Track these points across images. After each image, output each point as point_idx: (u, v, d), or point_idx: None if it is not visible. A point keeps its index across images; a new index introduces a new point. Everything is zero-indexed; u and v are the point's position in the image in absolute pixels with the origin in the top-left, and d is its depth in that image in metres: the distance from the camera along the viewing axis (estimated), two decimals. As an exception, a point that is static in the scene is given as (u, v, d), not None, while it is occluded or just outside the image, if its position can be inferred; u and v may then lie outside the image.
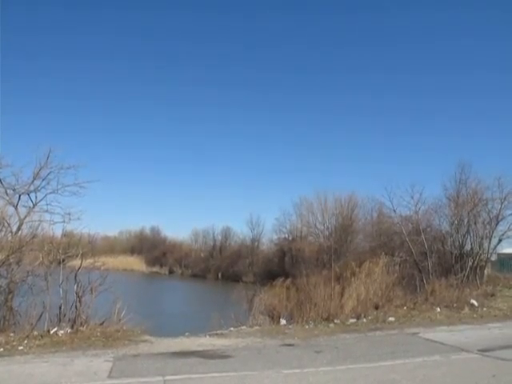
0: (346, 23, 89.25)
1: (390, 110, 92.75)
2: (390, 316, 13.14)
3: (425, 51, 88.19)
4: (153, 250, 75.25)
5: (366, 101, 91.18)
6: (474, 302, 15.18)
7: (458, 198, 23.10)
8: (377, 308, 13.98)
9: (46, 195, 14.12)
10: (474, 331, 11.40)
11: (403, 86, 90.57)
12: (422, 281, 18.39)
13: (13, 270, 11.01)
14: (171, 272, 70.25)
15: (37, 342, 9.52)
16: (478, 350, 8.86)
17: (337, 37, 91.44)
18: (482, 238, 22.16)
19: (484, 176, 23.15)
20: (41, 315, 10.69)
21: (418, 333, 11.03)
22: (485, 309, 14.70)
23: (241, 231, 67.03)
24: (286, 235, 53.56)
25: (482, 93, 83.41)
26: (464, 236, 22.31)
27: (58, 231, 13.38)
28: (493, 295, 17.58)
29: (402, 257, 20.47)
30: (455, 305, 14.69)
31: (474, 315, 13.77)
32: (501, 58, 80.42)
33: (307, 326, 12.20)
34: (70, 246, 12.08)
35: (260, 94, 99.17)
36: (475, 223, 22.37)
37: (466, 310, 14.34)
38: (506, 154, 58.57)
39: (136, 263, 73.10)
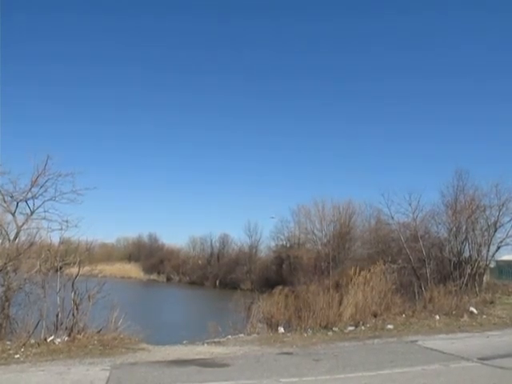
0: (344, 28, 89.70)
1: (388, 116, 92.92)
2: (388, 324, 13.10)
3: (423, 56, 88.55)
4: (150, 257, 74.86)
5: (364, 107, 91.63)
6: (473, 309, 15.16)
7: (455, 204, 23.13)
8: (375, 316, 13.93)
9: (43, 202, 14.02)
10: (473, 339, 11.36)
11: (400, 92, 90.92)
12: (421, 288, 18.29)
13: (10, 277, 10.96)
14: (169, 279, 69.83)
15: (33, 351, 9.44)
16: (478, 359, 8.82)
17: (334, 42, 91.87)
18: (481, 245, 22.16)
19: (482, 183, 23.27)
20: (38, 323, 10.61)
21: (416, 341, 10.98)
22: (484, 316, 14.66)
23: (238, 238, 66.70)
24: (284, 242, 53.38)
25: (480, 99, 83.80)
26: (462, 243, 22.31)
27: (55, 239, 13.30)
28: (492, 303, 17.55)
29: (400, 264, 20.47)
30: (454, 312, 14.65)
31: (474, 323, 13.72)
32: (500, 63, 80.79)
33: (305, 334, 12.14)
34: (68, 254, 12.04)
35: (258, 101, 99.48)
36: (473, 230, 22.38)
37: (465, 317, 14.30)
38: (503, 160, 58.83)
39: (133, 271, 72.72)
